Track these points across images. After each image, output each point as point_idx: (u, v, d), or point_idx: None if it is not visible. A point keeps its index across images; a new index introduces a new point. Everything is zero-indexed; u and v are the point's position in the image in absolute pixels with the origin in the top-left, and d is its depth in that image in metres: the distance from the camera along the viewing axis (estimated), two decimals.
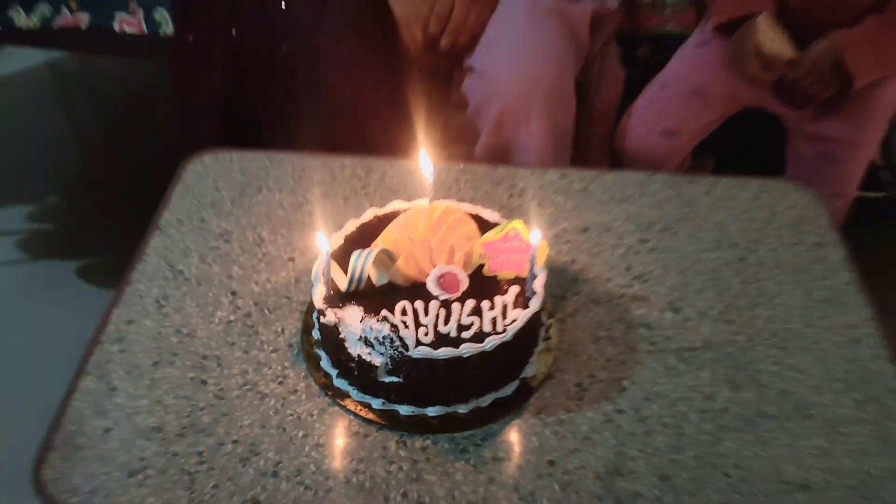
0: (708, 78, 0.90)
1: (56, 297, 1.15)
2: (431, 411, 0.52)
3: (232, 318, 0.59)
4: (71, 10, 0.98)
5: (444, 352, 0.49)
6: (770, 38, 0.80)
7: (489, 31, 0.90)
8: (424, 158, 0.58)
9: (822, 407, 0.54)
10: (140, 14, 0.98)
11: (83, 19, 0.97)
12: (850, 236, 0.68)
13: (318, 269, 0.54)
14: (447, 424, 0.53)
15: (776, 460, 0.51)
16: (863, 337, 0.59)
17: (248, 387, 0.55)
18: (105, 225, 1.27)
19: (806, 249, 0.67)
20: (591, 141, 0.97)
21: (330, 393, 0.54)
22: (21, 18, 0.99)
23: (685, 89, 0.92)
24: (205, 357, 0.57)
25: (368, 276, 0.53)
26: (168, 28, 0.99)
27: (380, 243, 0.55)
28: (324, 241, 0.52)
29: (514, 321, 0.51)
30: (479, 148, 0.92)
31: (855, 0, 0.80)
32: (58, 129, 1.53)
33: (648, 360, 0.57)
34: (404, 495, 0.49)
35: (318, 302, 0.53)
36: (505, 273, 0.55)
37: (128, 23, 0.97)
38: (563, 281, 0.63)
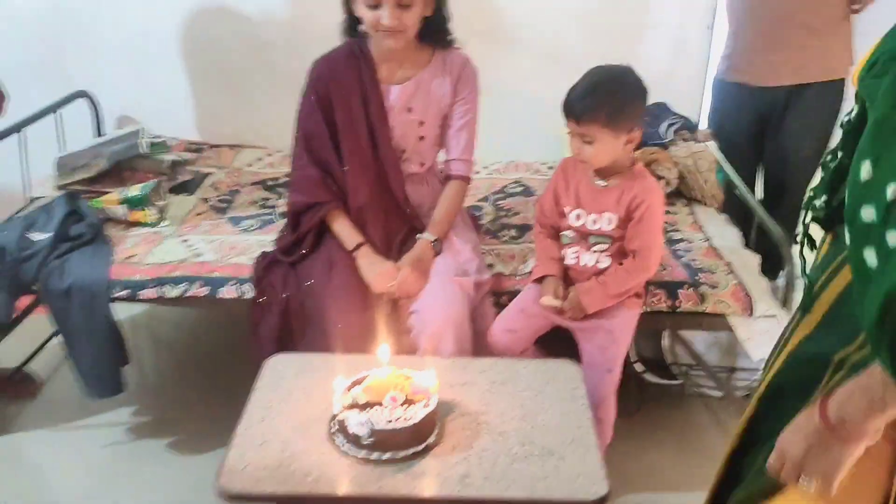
0: (528, 304, 1.71)
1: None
2: (386, 455, 1.25)
3: None
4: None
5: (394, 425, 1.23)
6: (549, 292, 1.63)
7: (424, 292, 1.72)
8: (384, 351, 1.36)
9: None
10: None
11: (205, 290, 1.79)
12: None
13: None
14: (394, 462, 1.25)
15: None
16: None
17: None
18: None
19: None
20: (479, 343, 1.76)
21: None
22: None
23: (517, 308, 1.73)
24: None
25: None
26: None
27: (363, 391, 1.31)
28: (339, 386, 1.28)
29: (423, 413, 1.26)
30: (418, 353, 1.69)
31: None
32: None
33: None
34: None
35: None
36: (419, 396, 1.30)
37: (229, 291, 1.79)
38: (444, 402, 1.37)
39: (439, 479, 1.22)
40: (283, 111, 2.45)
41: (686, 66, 2.52)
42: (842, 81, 2.48)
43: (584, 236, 1.66)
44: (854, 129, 0.95)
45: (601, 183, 1.63)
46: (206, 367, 2.33)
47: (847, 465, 0.87)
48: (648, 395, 2.08)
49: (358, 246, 1.75)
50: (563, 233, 1.70)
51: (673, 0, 2.45)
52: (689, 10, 2.46)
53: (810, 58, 2.33)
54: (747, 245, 2.06)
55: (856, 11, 2.30)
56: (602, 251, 1.64)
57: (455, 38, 1.81)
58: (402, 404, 1.28)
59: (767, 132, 2.50)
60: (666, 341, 2.05)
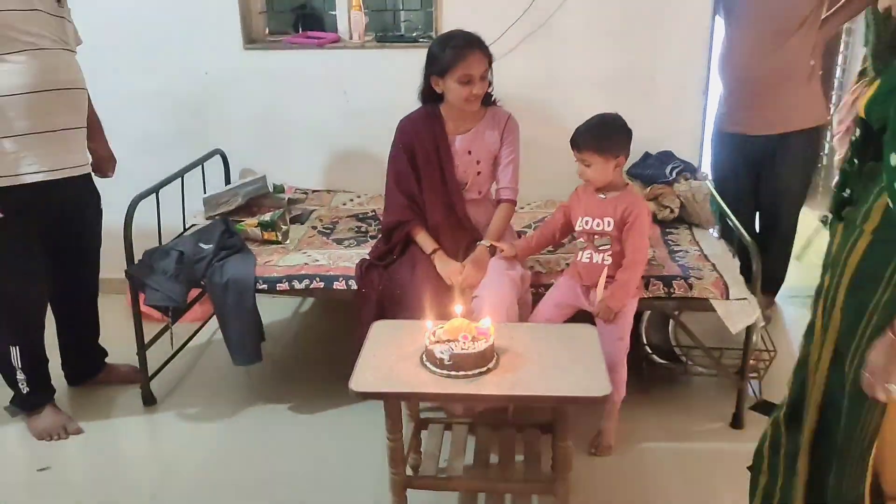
0: (558, 298, 2.31)
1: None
2: (460, 373, 1.85)
3: None
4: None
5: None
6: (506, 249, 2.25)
7: (482, 283, 2.34)
8: (458, 308, 1.98)
9: None
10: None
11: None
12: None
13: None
14: None
15: None
16: None
17: None
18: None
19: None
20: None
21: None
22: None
23: (551, 301, 2.33)
24: None
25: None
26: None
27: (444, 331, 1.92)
28: (429, 326, 1.90)
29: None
30: None
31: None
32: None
33: None
34: None
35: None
36: (482, 336, 1.91)
37: (339, 284, 2.45)
38: (499, 347, 1.98)
39: (495, 387, 1.82)
40: (367, 163, 3.18)
41: (687, 122, 3.15)
42: (819, 128, 3.10)
43: (591, 238, 2.27)
44: (860, 144, 1.31)
45: (602, 196, 2.26)
46: (322, 343, 3.07)
47: None
48: (657, 374, 2.65)
49: (434, 250, 2.40)
50: (577, 241, 2.33)
51: (674, 69, 3.09)
52: (688, 77, 3.10)
53: (790, 110, 2.94)
54: (734, 257, 2.63)
55: (815, 68, 2.91)
56: (606, 251, 2.25)
57: (497, 98, 2.50)
58: (471, 339, 1.89)
59: (761, 173, 3.10)
60: (671, 329, 2.61)
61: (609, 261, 2.26)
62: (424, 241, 2.43)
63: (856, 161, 1.34)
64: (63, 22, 2.37)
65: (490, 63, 2.38)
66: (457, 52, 2.31)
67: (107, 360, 2.81)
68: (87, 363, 2.76)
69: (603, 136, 2.20)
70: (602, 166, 2.19)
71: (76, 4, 2.45)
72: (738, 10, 2.95)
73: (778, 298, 3.37)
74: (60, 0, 2.37)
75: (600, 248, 2.27)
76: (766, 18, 2.82)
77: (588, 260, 2.30)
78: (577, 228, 2.31)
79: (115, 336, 2.79)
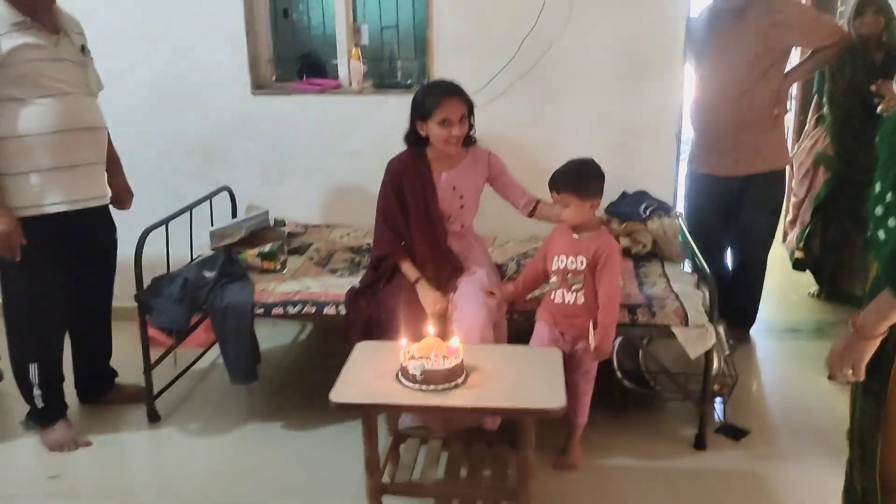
0: (539, 341, 2.49)
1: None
2: (431, 387, 2.05)
3: None
4: None
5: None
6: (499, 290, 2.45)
7: (461, 309, 2.54)
8: (430, 328, 2.18)
9: None
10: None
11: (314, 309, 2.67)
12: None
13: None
14: None
15: None
16: None
17: None
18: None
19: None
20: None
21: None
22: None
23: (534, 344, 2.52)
24: None
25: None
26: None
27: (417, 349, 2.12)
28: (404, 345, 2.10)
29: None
30: None
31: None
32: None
33: None
34: None
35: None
36: (452, 353, 2.11)
37: (329, 310, 2.66)
38: (469, 365, 2.17)
39: (463, 399, 2.01)
40: (363, 200, 3.40)
41: (661, 164, 3.36)
42: (783, 171, 3.31)
43: (565, 276, 2.45)
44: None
45: (576, 236, 2.46)
46: (315, 366, 3.28)
47: (867, 354, 1.48)
48: (628, 398, 2.82)
49: (417, 279, 2.61)
50: (551, 281, 2.50)
51: (650, 115, 3.32)
52: (662, 122, 3.33)
53: (755, 154, 3.16)
54: (698, 289, 2.81)
55: (777, 116, 3.14)
56: (578, 290, 2.42)
57: (476, 137, 2.72)
58: (441, 357, 2.09)
59: (730, 212, 3.30)
60: (641, 357, 2.79)
61: (581, 301, 2.41)
62: (409, 270, 2.63)
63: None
64: (86, 69, 2.64)
65: (469, 108, 2.61)
66: (437, 99, 2.55)
67: (116, 380, 3.02)
68: (98, 382, 2.97)
69: (581, 179, 2.39)
70: (578, 207, 2.38)
71: (99, 54, 2.72)
72: (705, 62, 3.19)
73: (753, 332, 3.54)
74: (84, 49, 2.65)
75: (573, 289, 2.43)
76: (729, 69, 3.06)
77: (560, 301, 2.46)
78: (552, 267, 2.47)
79: (124, 359, 3.01)
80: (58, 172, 2.50)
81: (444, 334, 2.35)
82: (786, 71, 3.20)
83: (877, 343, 1.49)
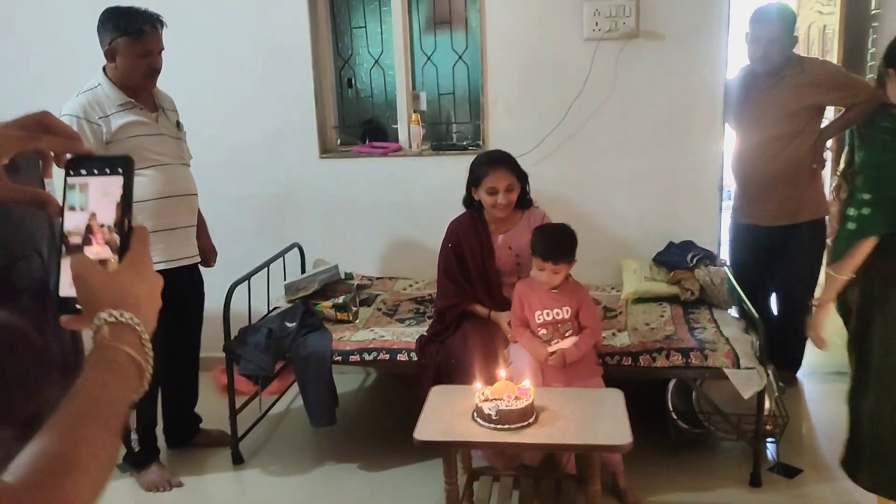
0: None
1: None
2: (505, 426, 2.24)
3: None
4: None
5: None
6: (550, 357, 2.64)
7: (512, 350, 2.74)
8: (502, 372, 2.39)
9: None
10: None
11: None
12: None
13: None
14: None
15: None
16: None
17: None
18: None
19: None
20: None
21: None
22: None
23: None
24: None
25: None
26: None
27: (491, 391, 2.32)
28: (478, 387, 2.31)
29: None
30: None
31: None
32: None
33: None
34: None
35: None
36: (523, 395, 2.30)
37: (402, 357, 2.88)
38: (539, 405, 2.36)
39: (535, 437, 2.20)
40: (423, 253, 3.64)
41: (705, 214, 3.56)
42: (823, 219, 3.48)
43: (556, 327, 2.65)
44: None
45: (554, 291, 2.66)
46: (387, 410, 3.49)
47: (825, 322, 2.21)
48: (683, 439, 2.97)
49: (489, 310, 2.83)
50: (541, 333, 2.67)
51: (693, 169, 3.53)
52: (704, 176, 3.54)
53: (796, 204, 3.35)
54: (747, 333, 2.98)
55: (815, 170, 3.33)
56: (570, 334, 2.64)
57: (533, 200, 2.95)
58: (514, 398, 2.28)
59: (773, 260, 3.48)
60: (694, 398, 2.95)
61: (576, 339, 2.64)
62: (479, 309, 2.87)
63: None
64: (181, 143, 2.95)
65: (519, 175, 2.84)
66: (485, 168, 2.80)
67: (200, 425, 3.25)
68: (185, 428, 3.21)
69: (569, 248, 2.65)
70: (566, 271, 2.66)
71: (190, 129, 3.04)
72: (744, 120, 3.40)
73: (801, 374, 3.67)
74: (179, 125, 2.96)
75: (567, 336, 2.66)
76: (767, 127, 3.27)
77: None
78: (537, 321, 2.68)
79: (207, 406, 3.25)
80: (159, 234, 2.78)
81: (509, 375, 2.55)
82: (822, 126, 3.40)
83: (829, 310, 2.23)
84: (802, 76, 3.24)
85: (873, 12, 4.08)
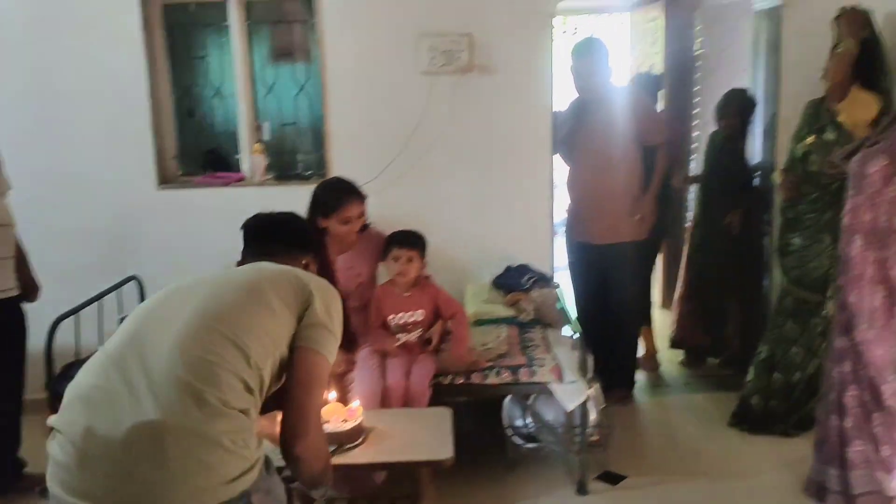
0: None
1: None
2: (333, 447, 2.26)
3: None
4: None
5: None
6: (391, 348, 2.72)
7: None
8: (332, 395, 2.41)
9: None
10: None
11: None
12: None
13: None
14: None
15: None
16: None
17: None
18: None
19: None
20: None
21: None
22: None
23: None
24: None
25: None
26: None
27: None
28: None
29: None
30: None
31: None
32: None
33: None
34: None
35: None
36: (351, 416, 2.33)
37: None
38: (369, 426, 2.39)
39: (363, 457, 2.23)
40: None
41: (539, 240, 3.75)
42: (650, 240, 3.74)
43: (408, 331, 2.83)
44: None
45: (406, 294, 2.82)
46: None
47: None
48: (517, 453, 3.08)
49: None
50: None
51: (527, 196, 3.72)
52: (536, 203, 3.74)
53: (620, 223, 3.58)
54: (575, 350, 3.14)
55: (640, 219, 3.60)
56: (418, 334, 2.84)
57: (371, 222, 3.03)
58: (342, 420, 2.31)
59: (608, 279, 3.69)
60: (527, 415, 3.07)
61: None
62: None
63: None
64: None
65: (363, 202, 2.91)
66: (338, 199, 2.85)
67: (24, 470, 3.06)
68: (7, 472, 3.00)
69: (419, 237, 2.90)
70: (419, 264, 2.84)
71: (8, 154, 2.91)
72: (577, 144, 3.63)
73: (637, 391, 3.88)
74: None
75: (415, 335, 2.87)
76: (594, 150, 3.52)
77: (403, 343, 2.88)
78: (391, 324, 2.86)
79: (33, 449, 3.06)
80: None
81: (344, 400, 2.57)
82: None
83: None
84: (622, 106, 3.50)
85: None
